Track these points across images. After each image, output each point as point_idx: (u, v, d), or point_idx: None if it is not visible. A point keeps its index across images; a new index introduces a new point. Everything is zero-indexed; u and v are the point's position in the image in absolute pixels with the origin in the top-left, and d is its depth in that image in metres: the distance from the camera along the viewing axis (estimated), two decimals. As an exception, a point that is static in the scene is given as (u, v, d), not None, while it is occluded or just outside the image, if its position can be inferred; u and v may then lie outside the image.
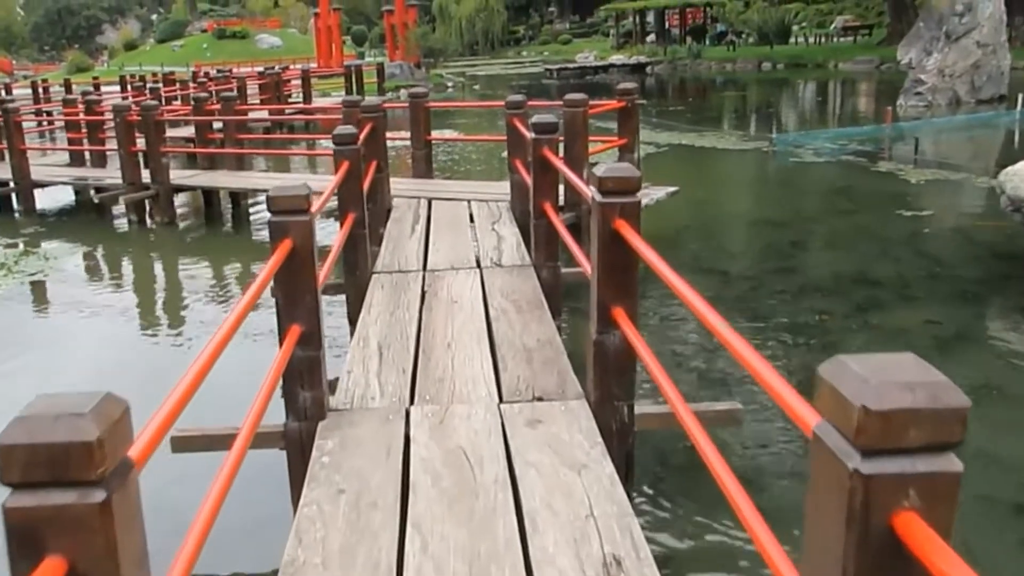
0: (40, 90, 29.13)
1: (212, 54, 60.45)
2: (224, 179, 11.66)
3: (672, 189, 9.30)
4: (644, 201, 8.97)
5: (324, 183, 6.61)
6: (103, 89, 27.78)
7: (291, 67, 30.42)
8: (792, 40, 48.32)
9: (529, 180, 7.87)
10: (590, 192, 3.90)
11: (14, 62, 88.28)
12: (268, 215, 3.61)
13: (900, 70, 34.86)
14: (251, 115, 15.06)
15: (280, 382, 3.50)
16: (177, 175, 11.82)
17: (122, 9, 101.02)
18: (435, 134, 11.29)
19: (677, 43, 53.57)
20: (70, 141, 14.24)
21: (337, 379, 4.28)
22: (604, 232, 3.73)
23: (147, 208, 11.55)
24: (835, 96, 30.14)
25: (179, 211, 12.07)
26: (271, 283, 3.59)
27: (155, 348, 7.38)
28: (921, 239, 9.17)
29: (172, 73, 32.85)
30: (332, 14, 42.80)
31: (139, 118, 11.17)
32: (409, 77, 39.27)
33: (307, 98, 23.39)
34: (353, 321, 6.19)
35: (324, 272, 4.23)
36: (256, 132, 18.35)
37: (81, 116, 13.75)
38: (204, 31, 67.87)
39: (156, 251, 10.82)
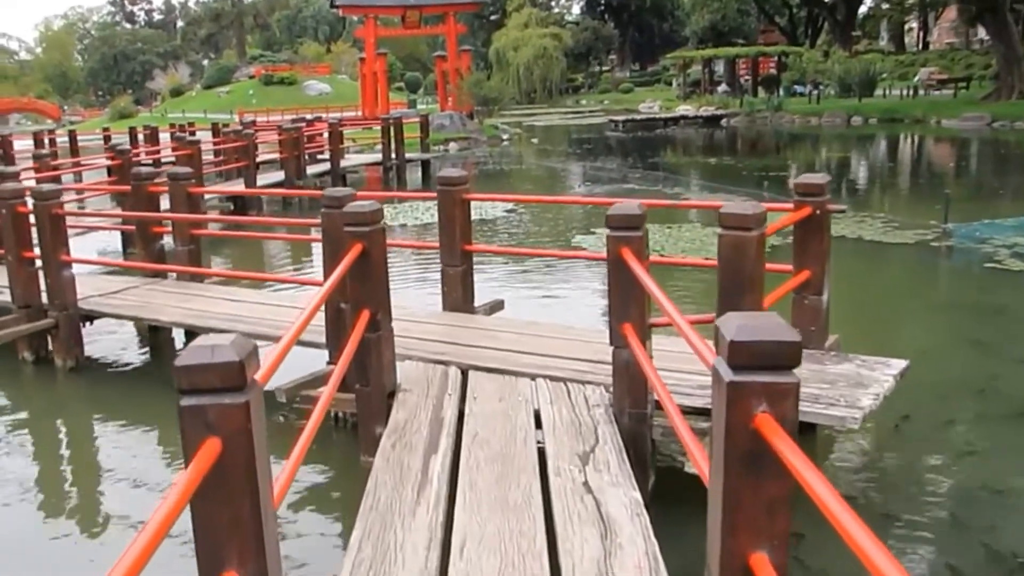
0: (46, 142, 25.92)
1: (258, 101, 58.02)
2: (161, 299, 7.72)
3: (902, 365, 5.15)
4: (867, 402, 4.84)
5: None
6: (113, 141, 24.47)
7: (323, 117, 26.83)
8: (879, 92, 44.10)
9: (657, 384, 3.88)
10: None
11: (65, 108, 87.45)
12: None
13: (1016, 128, 30.57)
14: (208, 197, 11.17)
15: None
16: (96, 288, 8.00)
17: (177, 54, 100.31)
18: (481, 209, 7.23)
19: (749, 93, 49.67)
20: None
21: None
22: None
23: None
24: (970, 161, 25.25)
25: (113, 340, 8.28)
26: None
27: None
28: None
29: (192, 124, 29.54)
30: (379, 59, 39.50)
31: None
32: (460, 128, 35.73)
33: (335, 158, 19.59)
34: None
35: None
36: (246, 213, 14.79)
37: None
38: (251, 77, 65.55)
39: (63, 407, 7.02)
